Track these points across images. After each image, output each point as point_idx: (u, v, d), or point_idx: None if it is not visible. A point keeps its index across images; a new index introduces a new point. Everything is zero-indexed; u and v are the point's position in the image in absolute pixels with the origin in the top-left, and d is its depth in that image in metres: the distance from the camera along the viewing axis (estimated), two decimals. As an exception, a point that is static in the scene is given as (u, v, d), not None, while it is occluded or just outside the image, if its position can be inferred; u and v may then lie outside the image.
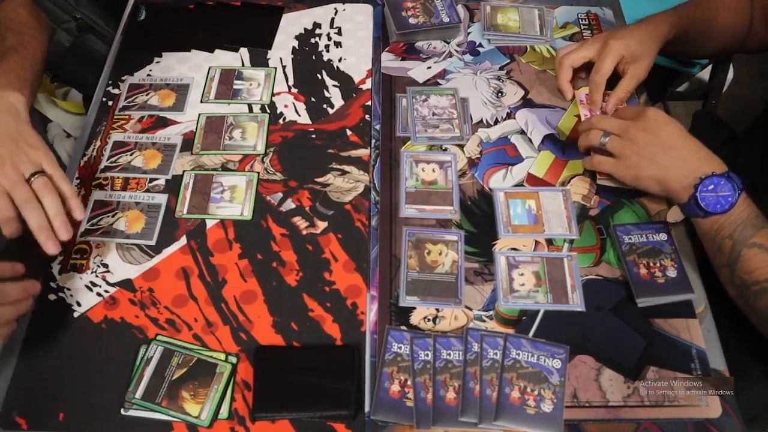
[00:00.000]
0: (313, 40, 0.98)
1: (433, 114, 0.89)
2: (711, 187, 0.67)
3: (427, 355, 0.68)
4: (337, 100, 0.91)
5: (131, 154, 0.85)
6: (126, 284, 0.74)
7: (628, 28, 0.86)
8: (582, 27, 1.00)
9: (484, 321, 0.71)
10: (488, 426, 0.64)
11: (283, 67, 0.95)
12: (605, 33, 0.88)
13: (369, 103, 0.91)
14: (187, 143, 0.86)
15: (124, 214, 0.79)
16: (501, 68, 0.95)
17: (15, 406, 0.66)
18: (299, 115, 0.89)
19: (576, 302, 0.72)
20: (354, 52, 0.97)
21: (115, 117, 0.89)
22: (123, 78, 0.93)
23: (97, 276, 0.74)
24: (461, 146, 0.86)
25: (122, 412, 0.65)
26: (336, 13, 1.02)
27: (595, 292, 0.73)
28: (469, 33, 0.99)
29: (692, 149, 0.71)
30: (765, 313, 0.65)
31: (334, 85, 0.93)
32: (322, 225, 0.79)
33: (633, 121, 0.74)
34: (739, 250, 0.66)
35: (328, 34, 0.99)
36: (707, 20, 0.88)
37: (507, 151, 0.85)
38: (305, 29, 1.00)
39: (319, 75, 0.94)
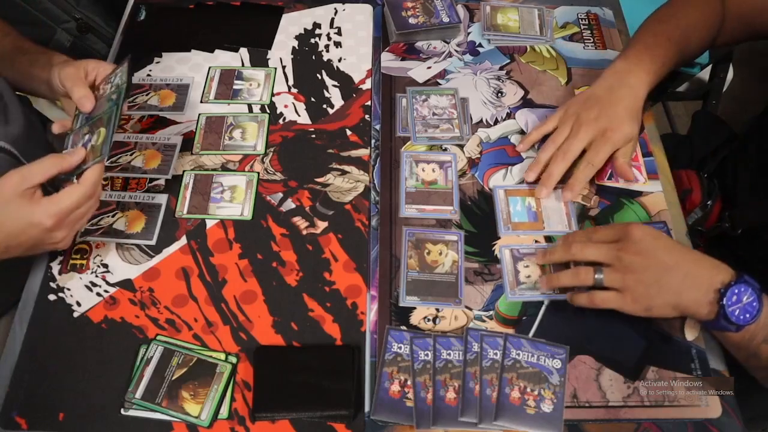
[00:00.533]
0: (313, 40, 0.98)
1: (433, 114, 0.89)
2: (734, 298, 0.61)
3: (427, 355, 0.68)
4: (337, 100, 0.91)
5: (131, 154, 0.85)
6: (126, 284, 0.74)
7: (617, 110, 0.78)
8: (582, 27, 1.00)
9: (484, 321, 0.71)
10: (488, 426, 0.64)
11: (283, 67, 0.95)
12: (595, 118, 0.78)
13: (369, 103, 0.91)
14: (187, 143, 0.86)
15: (124, 214, 0.79)
16: (501, 68, 0.95)
17: (15, 406, 0.66)
18: (299, 115, 0.89)
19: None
20: (354, 52, 0.97)
21: (115, 117, 0.89)
22: (123, 78, 0.93)
23: (97, 276, 0.74)
24: (461, 146, 0.86)
25: (122, 412, 0.65)
26: (336, 13, 1.02)
27: (595, 292, 0.73)
28: (469, 33, 0.99)
29: (695, 261, 0.65)
30: None
31: (334, 85, 0.93)
32: (322, 225, 0.79)
33: (620, 245, 0.66)
34: None
35: (328, 34, 0.99)
36: (681, 52, 0.84)
37: (507, 151, 0.85)
38: (305, 29, 1.00)
39: (318, 75, 0.94)
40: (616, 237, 0.68)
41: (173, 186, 0.82)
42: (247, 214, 0.79)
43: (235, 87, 0.92)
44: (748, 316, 0.61)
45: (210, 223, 0.79)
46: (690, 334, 0.69)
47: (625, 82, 0.80)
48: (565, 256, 0.71)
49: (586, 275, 0.68)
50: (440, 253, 0.76)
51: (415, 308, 0.72)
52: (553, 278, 0.72)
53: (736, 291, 0.61)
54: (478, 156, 0.85)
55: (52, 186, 0.67)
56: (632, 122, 0.78)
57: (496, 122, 0.88)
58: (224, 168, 0.84)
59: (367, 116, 0.89)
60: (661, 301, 0.64)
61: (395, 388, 0.66)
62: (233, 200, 0.81)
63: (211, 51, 0.97)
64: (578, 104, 0.81)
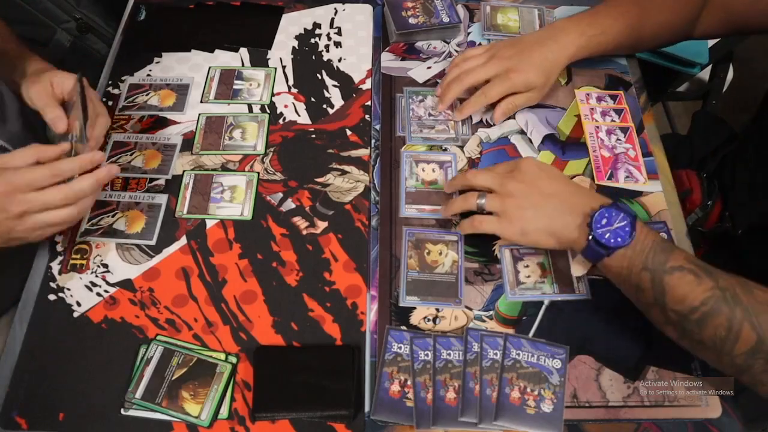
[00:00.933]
0: (313, 40, 0.98)
1: (429, 115, 0.89)
2: (604, 221, 0.62)
3: (427, 355, 0.68)
4: (337, 100, 0.91)
5: (131, 154, 0.85)
6: (126, 284, 0.74)
7: (532, 56, 0.82)
8: (582, 27, 1.00)
9: (484, 321, 0.71)
10: (488, 426, 0.64)
11: (283, 67, 0.95)
12: (508, 56, 0.83)
13: (369, 103, 0.91)
14: (187, 143, 0.86)
15: (124, 214, 0.79)
16: (501, 68, 0.95)
17: (15, 406, 0.66)
18: (299, 115, 0.89)
19: (582, 291, 0.72)
20: (354, 52, 0.97)
21: (115, 117, 0.89)
22: (123, 78, 0.93)
23: (97, 276, 0.74)
24: (461, 146, 0.86)
25: (122, 412, 0.65)
26: (336, 13, 1.02)
27: (595, 292, 0.73)
28: (469, 33, 0.99)
29: (573, 191, 0.68)
30: (717, 344, 0.58)
31: (334, 85, 0.93)
32: (322, 225, 0.79)
33: (508, 174, 0.70)
34: (661, 280, 0.60)
35: (328, 34, 0.99)
36: (634, 28, 0.84)
37: (507, 151, 0.85)
38: (305, 29, 1.00)
39: (319, 75, 0.94)
40: (508, 168, 0.71)
41: (173, 186, 0.82)
42: (247, 214, 0.79)
43: (235, 87, 0.92)
44: (619, 240, 0.62)
45: (210, 223, 0.79)
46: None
47: (556, 38, 0.83)
48: (463, 182, 0.74)
49: (472, 198, 0.71)
50: (440, 253, 0.76)
51: (415, 308, 0.72)
52: (449, 205, 0.75)
53: (606, 215, 0.63)
54: (478, 156, 0.85)
55: None
56: (540, 73, 0.82)
57: (496, 122, 0.88)
58: (224, 168, 0.84)
59: (367, 116, 0.89)
60: (536, 226, 0.67)
61: (395, 388, 0.66)
62: (233, 200, 0.81)
63: (211, 51, 0.97)
64: (504, 43, 0.85)
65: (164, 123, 0.88)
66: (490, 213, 0.70)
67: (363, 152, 0.86)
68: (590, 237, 0.63)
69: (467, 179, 0.73)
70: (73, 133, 0.71)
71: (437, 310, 0.72)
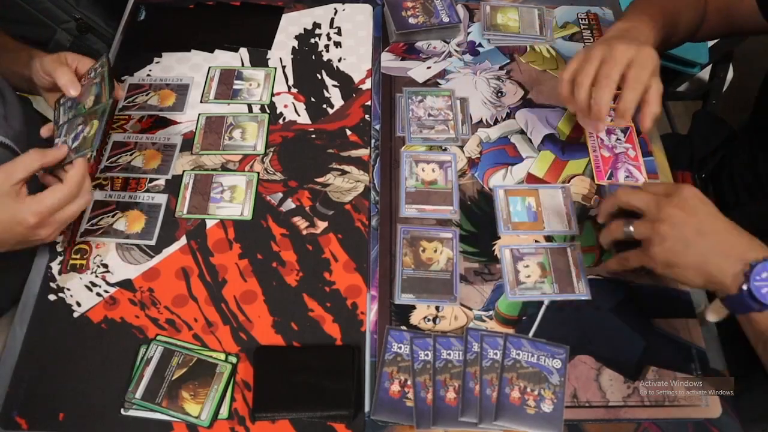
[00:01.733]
0: (312, 40, 0.98)
1: (429, 115, 0.89)
2: (765, 274, 0.57)
3: (427, 355, 0.68)
4: (337, 100, 0.91)
5: (131, 154, 0.85)
6: (126, 284, 0.74)
7: (626, 35, 0.74)
8: (582, 27, 1.00)
9: (484, 321, 0.71)
10: (488, 426, 0.64)
11: (283, 67, 0.95)
12: (634, 42, 0.72)
13: (369, 103, 0.91)
14: (187, 143, 0.86)
15: (124, 214, 0.79)
16: (501, 68, 0.95)
17: (15, 406, 0.66)
18: (299, 115, 0.89)
19: (582, 291, 0.72)
20: (354, 52, 0.97)
21: (115, 117, 0.89)
22: (123, 78, 0.93)
23: (97, 276, 0.74)
24: (461, 146, 0.86)
25: (122, 412, 0.65)
26: (336, 13, 1.02)
27: (595, 292, 0.73)
28: (468, 33, 0.99)
29: (733, 233, 0.61)
30: None
31: (333, 85, 0.93)
32: (322, 225, 0.79)
33: (666, 198, 0.63)
34: None
35: (327, 34, 0.99)
36: (673, 24, 0.83)
37: (507, 151, 0.85)
38: (305, 29, 1.00)
39: (318, 75, 0.94)
40: (667, 191, 0.64)
41: (173, 186, 0.82)
42: (247, 214, 0.79)
43: (235, 87, 0.92)
44: None
45: (210, 223, 0.79)
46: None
47: (632, 36, 0.74)
48: (614, 201, 0.68)
49: (617, 227, 0.67)
50: (435, 251, 0.76)
51: (415, 308, 0.72)
52: (601, 237, 0.71)
53: None
54: (478, 156, 0.85)
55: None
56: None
57: (496, 122, 0.88)
58: (224, 168, 0.84)
59: (367, 116, 0.89)
60: (686, 261, 0.61)
61: (395, 388, 0.66)
62: (233, 200, 0.81)
63: (211, 51, 0.97)
64: (598, 41, 0.76)
65: (164, 123, 0.88)
66: (638, 243, 0.65)
67: (363, 152, 0.86)
68: (744, 288, 0.58)
69: (618, 197, 0.68)
70: (83, 103, 0.73)
71: (437, 309, 0.72)
